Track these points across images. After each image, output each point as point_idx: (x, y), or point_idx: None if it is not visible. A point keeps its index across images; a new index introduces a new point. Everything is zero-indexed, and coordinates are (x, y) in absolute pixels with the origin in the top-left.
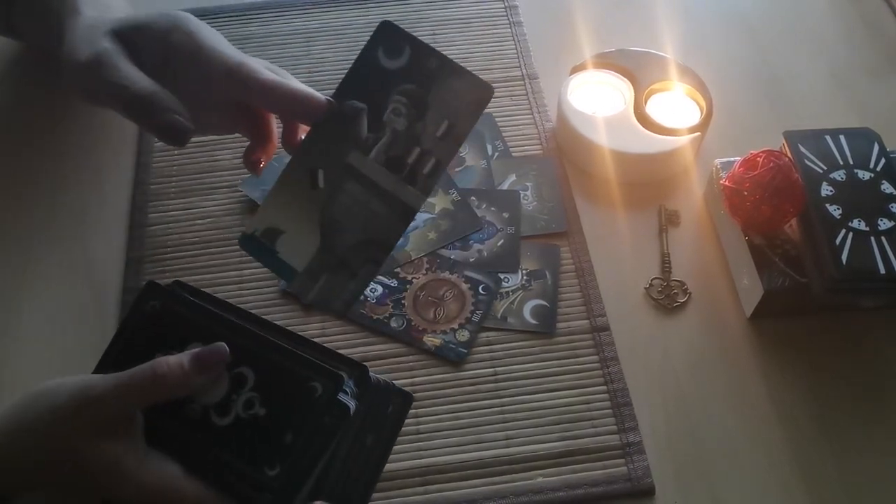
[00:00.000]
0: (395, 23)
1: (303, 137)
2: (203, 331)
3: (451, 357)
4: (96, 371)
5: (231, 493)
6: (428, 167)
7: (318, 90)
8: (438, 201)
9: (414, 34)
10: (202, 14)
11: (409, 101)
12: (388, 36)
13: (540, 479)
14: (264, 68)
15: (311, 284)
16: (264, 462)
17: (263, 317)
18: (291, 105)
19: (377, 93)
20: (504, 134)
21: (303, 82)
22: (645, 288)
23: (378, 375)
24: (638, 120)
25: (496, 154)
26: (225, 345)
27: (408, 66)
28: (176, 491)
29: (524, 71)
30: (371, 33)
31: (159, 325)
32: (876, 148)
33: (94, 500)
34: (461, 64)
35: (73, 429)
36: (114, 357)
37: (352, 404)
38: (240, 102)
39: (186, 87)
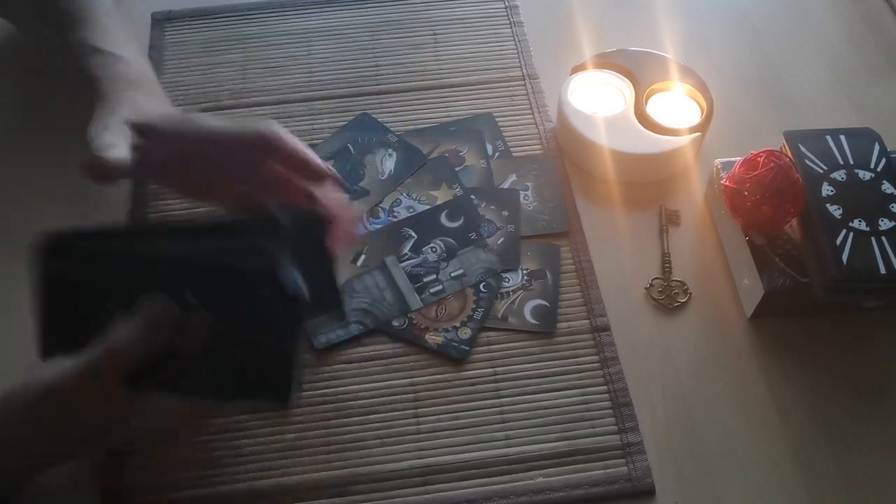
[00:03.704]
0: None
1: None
2: (120, 277)
3: (453, 354)
4: (43, 352)
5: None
6: (435, 289)
7: (318, 90)
8: (441, 195)
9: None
10: (202, 14)
11: (445, 248)
12: (457, 203)
13: (540, 480)
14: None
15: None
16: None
17: None
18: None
19: (428, 234)
20: (504, 134)
21: (303, 82)
22: (645, 288)
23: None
24: (638, 120)
25: (496, 154)
26: None
27: (457, 229)
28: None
29: (525, 71)
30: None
31: (74, 289)
32: (877, 148)
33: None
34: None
35: (56, 420)
36: (56, 337)
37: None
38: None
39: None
